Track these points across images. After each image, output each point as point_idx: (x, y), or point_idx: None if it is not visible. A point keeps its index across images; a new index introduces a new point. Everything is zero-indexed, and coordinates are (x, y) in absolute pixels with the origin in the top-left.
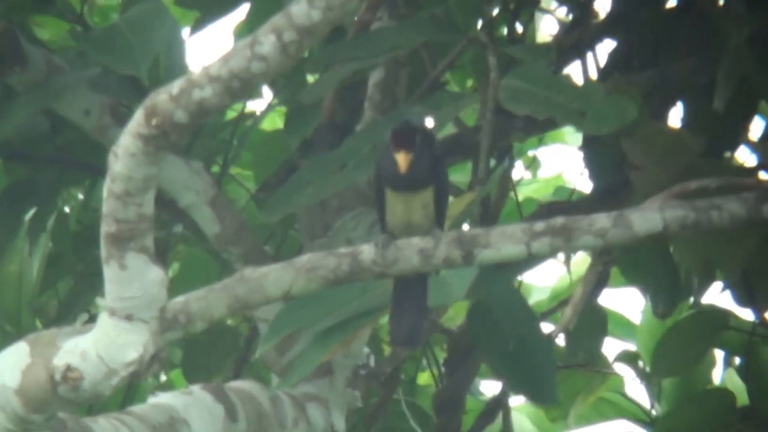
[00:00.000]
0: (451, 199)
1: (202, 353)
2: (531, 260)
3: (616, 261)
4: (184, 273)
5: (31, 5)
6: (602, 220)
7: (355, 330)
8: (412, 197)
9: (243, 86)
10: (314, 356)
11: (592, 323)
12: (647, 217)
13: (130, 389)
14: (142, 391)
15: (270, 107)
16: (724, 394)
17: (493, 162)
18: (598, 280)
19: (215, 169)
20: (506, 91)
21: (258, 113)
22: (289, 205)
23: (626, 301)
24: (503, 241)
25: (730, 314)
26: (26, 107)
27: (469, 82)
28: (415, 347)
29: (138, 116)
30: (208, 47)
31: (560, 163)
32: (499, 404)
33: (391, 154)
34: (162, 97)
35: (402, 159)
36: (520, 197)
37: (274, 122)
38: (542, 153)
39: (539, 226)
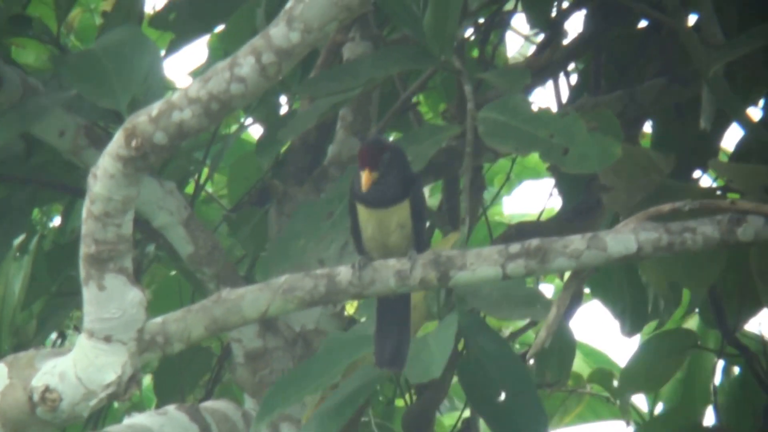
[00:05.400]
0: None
1: (175, 373)
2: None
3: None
4: (157, 294)
5: (7, 27)
6: (577, 241)
7: (351, 414)
8: (384, 214)
9: (222, 108)
10: None
11: (561, 343)
12: (621, 239)
13: (103, 409)
14: (114, 411)
15: (243, 127)
16: (691, 413)
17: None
18: (572, 300)
19: (189, 189)
20: (485, 124)
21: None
22: (284, 260)
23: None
24: (479, 263)
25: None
26: (3, 131)
27: (442, 106)
28: (400, 369)
29: (118, 138)
30: (183, 66)
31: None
32: (473, 424)
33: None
34: (142, 118)
35: (365, 177)
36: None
37: (250, 140)
38: (525, 188)
39: (514, 247)
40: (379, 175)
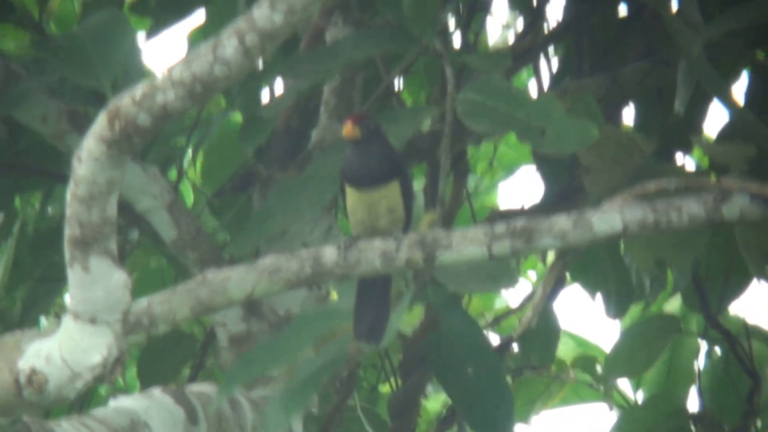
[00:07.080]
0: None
1: (158, 359)
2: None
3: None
4: (140, 282)
5: None
6: (562, 221)
7: (315, 390)
8: (373, 197)
9: (206, 90)
10: (279, 422)
11: (546, 327)
12: (607, 218)
13: (88, 392)
14: (99, 396)
15: (225, 113)
16: (676, 398)
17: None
18: (555, 284)
19: (172, 176)
20: (464, 104)
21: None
22: (259, 236)
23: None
24: (464, 243)
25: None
26: None
27: (424, 92)
28: (377, 344)
29: (101, 120)
30: (162, 51)
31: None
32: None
33: (351, 153)
34: (125, 101)
35: (348, 125)
36: None
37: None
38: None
39: (500, 228)
40: (362, 134)
